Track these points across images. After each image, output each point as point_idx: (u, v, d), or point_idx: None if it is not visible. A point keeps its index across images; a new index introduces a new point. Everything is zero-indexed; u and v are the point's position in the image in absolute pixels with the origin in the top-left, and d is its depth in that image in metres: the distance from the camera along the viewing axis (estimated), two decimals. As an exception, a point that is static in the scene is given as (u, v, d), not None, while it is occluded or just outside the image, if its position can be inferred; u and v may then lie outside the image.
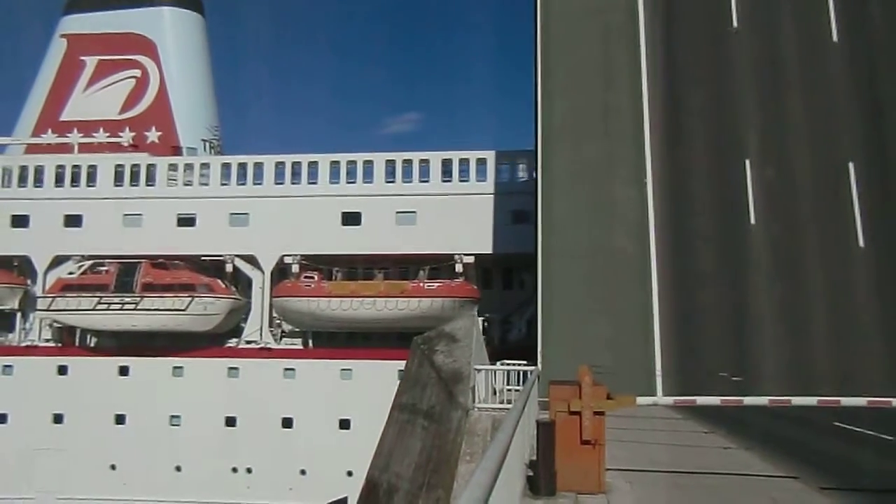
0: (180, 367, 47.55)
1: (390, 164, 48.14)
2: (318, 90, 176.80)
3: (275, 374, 46.62)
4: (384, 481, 21.24)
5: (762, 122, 27.55)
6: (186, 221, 49.12)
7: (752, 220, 26.08)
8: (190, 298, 47.13)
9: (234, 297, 48.56)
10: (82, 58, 57.26)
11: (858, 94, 27.37)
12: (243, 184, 49.30)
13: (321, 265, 47.78)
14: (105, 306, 47.81)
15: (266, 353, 47.89)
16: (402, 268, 47.53)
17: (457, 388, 19.38)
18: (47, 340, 50.29)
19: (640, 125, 27.37)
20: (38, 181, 50.97)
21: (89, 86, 57.06)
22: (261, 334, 48.77)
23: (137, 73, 57.01)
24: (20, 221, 50.17)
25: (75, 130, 53.60)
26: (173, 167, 51.05)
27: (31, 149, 54.29)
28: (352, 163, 48.69)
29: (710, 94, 28.20)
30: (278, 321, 49.12)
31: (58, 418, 47.35)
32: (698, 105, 28.11)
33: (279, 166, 49.34)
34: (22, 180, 51.10)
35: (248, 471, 45.51)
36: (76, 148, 52.82)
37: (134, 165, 50.72)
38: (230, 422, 46.18)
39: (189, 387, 46.81)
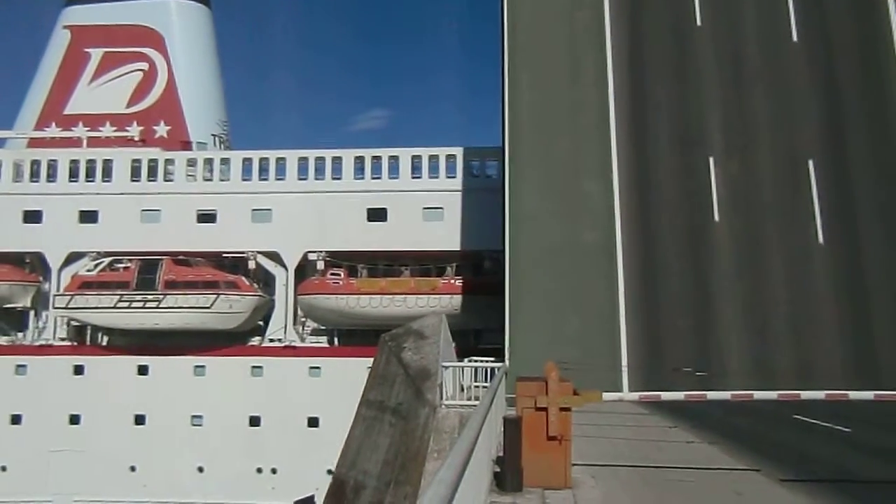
0: (202, 366, 46.42)
1: (416, 160, 47.40)
2: (286, 86, 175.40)
3: (300, 372, 45.56)
4: (351, 478, 21.21)
5: (725, 119, 27.97)
6: (207, 217, 47.78)
7: (716, 217, 26.47)
8: (215, 296, 45.95)
9: (258, 295, 47.40)
10: (87, 50, 55.41)
11: (817, 92, 27.92)
12: (265, 179, 48.09)
13: (345, 262, 46.94)
14: (126, 304, 46.46)
15: (291, 350, 46.78)
16: (423, 265, 46.86)
17: (424, 385, 19.42)
18: (62, 339, 48.72)
19: (606, 121, 27.61)
20: (51, 176, 49.19)
21: (94, 78, 55.24)
22: (285, 332, 47.75)
23: (145, 66, 55.41)
24: (33, 217, 48.35)
25: (81, 124, 52.11)
26: (192, 162, 49.67)
27: (35, 143, 52.62)
28: (377, 158, 47.80)
29: (675, 91, 28.55)
30: (303, 319, 48.22)
31: (74, 419, 45.98)
32: (663, 101, 28.45)
33: (302, 161, 48.24)
34: (34, 175, 49.31)
35: (273, 471, 44.56)
36: (85, 142, 51.32)
37: (151, 160, 49.22)
38: (254, 421, 45.24)
39: (211, 386, 45.78)
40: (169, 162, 49.53)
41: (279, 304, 48.27)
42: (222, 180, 48.75)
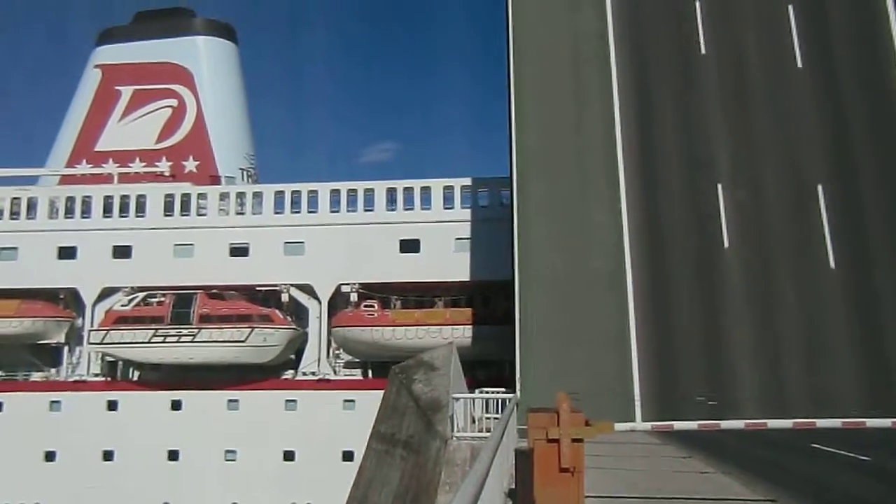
0: (235, 401, 46.31)
1: (448, 191, 47.52)
2: (295, 119, 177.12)
3: (334, 405, 45.21)
4: (363, 513, 20.95)
5: (732, 145, 28.00)
6: (239, 251, 48.05)
7: (726, 244, 26.38)
8: (249, 329, 45.98)
9: (292, 328, 47.38)
10: (117, 88, 56.83)
11: (824, 117, 27.96)
12: (297, 212, 48.40)
13: (378, 293, 46.81)
14: (161, 339, 46.54)
15: (325, 384, 46.52)
16: (453, 296, 46.68)
17: (435, 417, 19.24)
18: (96, 375, 48.77)
19: (613, 151, 27.68)
20: (86, 212, 49.67)
21: (124, 115, 56.50)
22: (318, 365, 47.61)
23: (174, 102, 56.51)
24: (67, 253, 48.77)
25: (111, 160, 53.14)
26: (224, 196, 50.06)
27: (66, 179, 53.50)
28: (408, 189, 48.09)
29: (682, 119, 28.66)
30: (337, 351, 48.02)
31: (108, 455, 45.86)
32: (670, 129, 28.54)
33: (334, 194, 48.59)
34: (69, 211, 49.84)
35: None
36: (116, 178, 52.13)
37: (184, 195, 49.67)
38: (288, 456, 44.90)
39: (245, 420, 45.56)
40: (201, 196, 49.97)
41: (312, 336, 48.04)
42: (254, 214, 49.00)
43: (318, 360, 47.74)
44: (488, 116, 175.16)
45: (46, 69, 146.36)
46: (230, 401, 46.26)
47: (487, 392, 21.51)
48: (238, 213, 49.26)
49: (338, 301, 47.73)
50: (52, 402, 47.22)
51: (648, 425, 23.68)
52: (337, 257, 46.61)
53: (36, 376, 49.45)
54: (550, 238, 27.14)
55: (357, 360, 47.78)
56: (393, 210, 47.80)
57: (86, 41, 60.65)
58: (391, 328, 45.21)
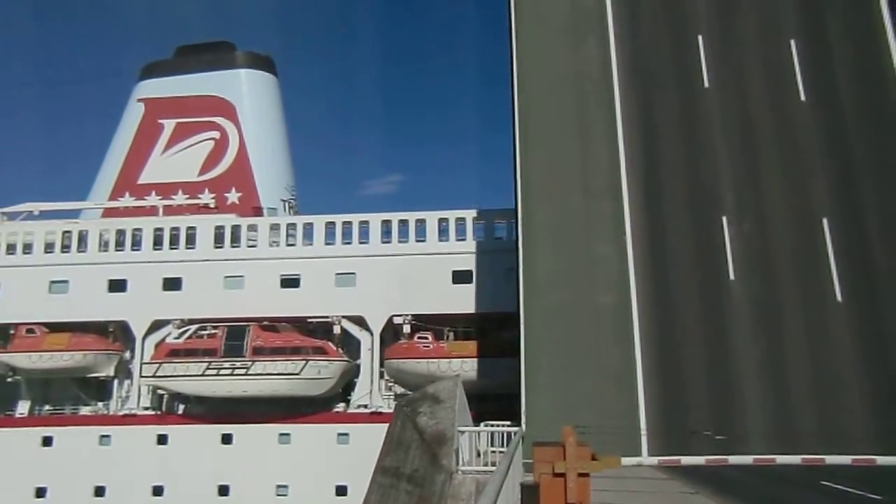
0: (287, 434, 45.86)
1: (500, 221, 47.35)
2: (301, 149, 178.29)
3: None
4: (366, 549, 20.67)
5: (737, 179, 28.02)
6: (290, 282, 47.83)
7: (732, 276, 26.29)
8: (304, 362, 45.66)
9: (345, 360, 47.09)
10: (160, 121, 57.52)
11: (828, 150, 27.99)
12: (349, 243, 48.49)
13: (431, 325, 46.55)
14: (214, 371, 46.24)
15: (377, 416, 45.46)
16: (502, 326, 46.28)
17: (440, 450, 19.08)
18: (146, 408, 48.53)
19: (617, 183, 27.74)
20: (136, 244, 49.82)
21: (167, 148, 57.09)
22: (370, 397, 47.14)
23: (216, 134, 57.08)
24: (117, 286, 48.82)
25: (153, 193, 53.59)
26: (275, 227, 50.03)
27: (109, 212, 53.89)
28: (461, 220, 48.07)
29: (686, 152, 28.72)
30: (390, 384, 47.43)
31: (158, 490, 45.46)
32: (674, 163, 28.59)
33: (386, 224, 48.57)
34: (119, 244, 49.96)
35: None
36: (161, 210, 52.41)
37: (234, 226, 49.80)
38: (341, 490, 44.18)
39: (296, 454, 45.12)
40: (251, 228, 49.91)
41: (364, 369, 47.61)
42: (305, 245, 48.83)
43: (371, 392, 47.18)
44: (492, 149, 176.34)
45: (87, 105, 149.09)
46: (281, 434, 45.74)
47: (493, 425, 21.33)
48: (289, 245, 49.09)
49: (389, 333, 47.35)
50: (102, 436, 46.95)
51: (655, 460, 23.40)
52: (389, 288, 46.32)
53: (84, 410, 49.30)
54: (556, 270, 27.10)
55: (410, 392, 47.41)
56: (445, 241, 47.67)
57: (125, 78, 61.73)
58: (447, 360, 44.77)
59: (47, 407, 50.21)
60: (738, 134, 28.64)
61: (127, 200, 54.05)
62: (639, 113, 28.92)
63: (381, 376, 47.48)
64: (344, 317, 47.69)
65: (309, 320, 47.93)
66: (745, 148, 28.41)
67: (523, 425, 23.06)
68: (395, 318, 46.94)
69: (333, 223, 49.14)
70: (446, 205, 71.39)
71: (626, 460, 14.73)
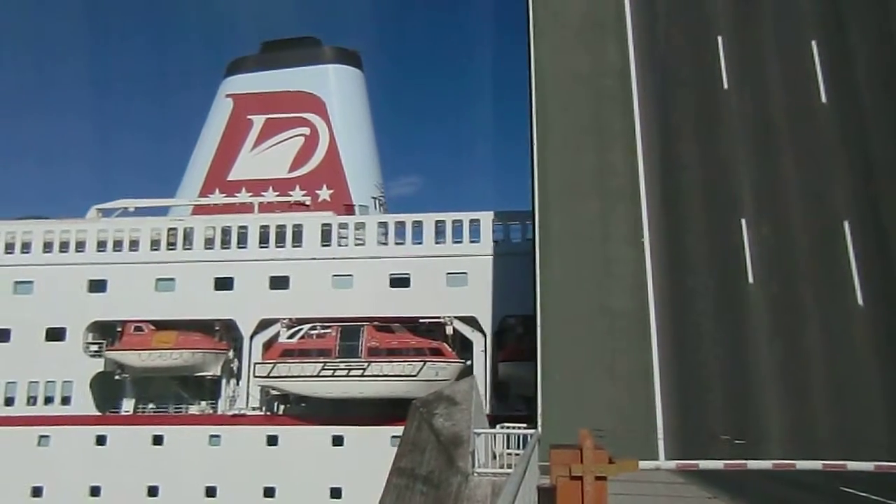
0: (398, 437, 45.60)
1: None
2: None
3: None
4: (382, 550, 20.64)
5: (756, 181, 27.78)
6: (400, 282, 46.92)
7: (751, 280, 26.05)
8: (421, 363, 44.77)
9: (461, 362, 45.89)
10: (249, 117, 57.15)
11: (848, 153, 27.69)
12: (459, 241, 47.34)
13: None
14: (330, 372, 45.53)
15: (491, 419, 45.64)
16: None
17: (456, 452, 19.03)
18: (255, 409, 47.90)
19: (635, 185, 27.59)
20: (241, 242, 49.13)
21: (257, 144, 56.62)
22: (485, 400, 45.62)
23: (306, 130, 56.54)
24: (224, 284, 48.26)
25: (244, 189, 53.55)
26: (382, 225, 49.32)
27: (198, 209, 53.64)
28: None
29: (704, 154, 28.51)
30: (505, 386, 46.01)
31: (269, 492, 45.15)
32: (693, 165, 28.39)
33: (497, 223, 47.50)
34: (224, 242, 49.36)
35: None
36: (256, 207, 51.91)
37: (342, 225, 49.08)
38: None
39: None
40: (359, 226, 49.10)
41: (478, 370, 45.99)
42: (415, 243, 47.96)
43: (484, 394, 45.82)
44: (509, 154, 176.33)
45: (173, 100, 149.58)
46: (393, 437, 45.30)
47: (509, 427, 21.24)
48: (398, 243, 48.22)
49: (502, 334, 46.25)
50: (212, 435, 46.70)
51: (673, 464, 23.23)
52: (502, 288, 44.73)
53: (193, 409, 49.20)
54: (573, 273, 26.97)
55: (525, 395, 46.75)
56: None
57: (212, 74, 61.08)
58: None
59: (151, 405, 50.06)
60: (757, 136, 28.40)
61: (217, 197, 53.94)
62: (657, 114, 28.76)
63: (495, 378, 46.10)
64: (456, 317, 46.43)
65: (420, 321, 46.93)
66: (765, 150, 28.17)
67: (539, 428, 22.97)
68: (508, 318, 45.50)
69: (443, 221, 48.00)
70: (463, 206, 70.87)
71: (643, 464, 14.60)
